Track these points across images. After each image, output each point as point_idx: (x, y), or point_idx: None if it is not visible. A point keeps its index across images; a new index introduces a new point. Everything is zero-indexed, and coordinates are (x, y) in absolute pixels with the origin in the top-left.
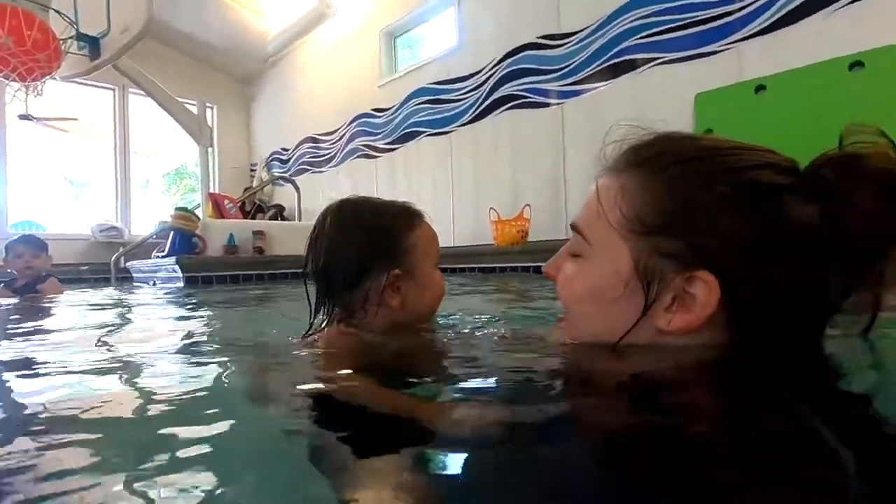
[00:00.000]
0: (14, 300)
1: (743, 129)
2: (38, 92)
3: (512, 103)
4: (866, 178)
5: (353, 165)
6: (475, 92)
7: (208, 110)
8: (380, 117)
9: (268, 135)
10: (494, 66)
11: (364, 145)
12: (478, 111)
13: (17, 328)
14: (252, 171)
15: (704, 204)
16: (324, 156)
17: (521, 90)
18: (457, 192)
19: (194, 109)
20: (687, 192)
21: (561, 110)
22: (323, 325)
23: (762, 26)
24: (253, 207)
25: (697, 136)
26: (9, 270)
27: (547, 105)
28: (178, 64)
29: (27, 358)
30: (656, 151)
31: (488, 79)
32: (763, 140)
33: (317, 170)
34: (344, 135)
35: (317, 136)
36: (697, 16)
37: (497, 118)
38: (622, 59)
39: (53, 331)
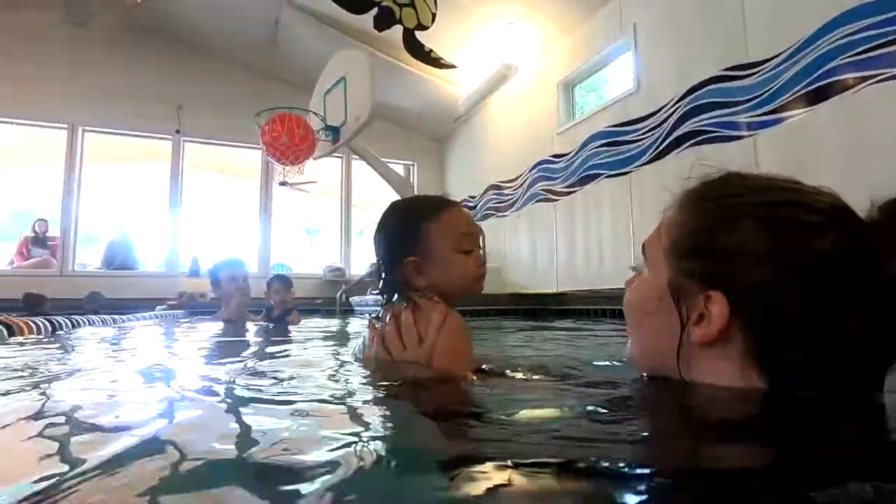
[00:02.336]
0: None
1: None
2: (301, 171)
3: (697, 139)
4: None
5: (533, 209)
6: (655, 131)
7: (410, 168)
8: (558, 162)
9: (458, 185)
10: (675, 103)
11: (544, 189)
12: (658, 149)
13: (279, 350)
14: None
15: (724, 232)
16: (506, 201)
17: (707, 125)
18: (637, 230)
19: (400, 168)
20: (713, 222)
21: (753, 142)
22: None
23: None
24: None
25: (752, 176)
26: (271, 302)
27: (737, 138)
28: (385, 130)
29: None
30: (704, 189)
31: (669, 116)
32: None
33: (500, 214)
34: (525, 181)
35: (500, 184)
36: None
37: (680, 155)
38: (828, 80)
39: (301, 350)
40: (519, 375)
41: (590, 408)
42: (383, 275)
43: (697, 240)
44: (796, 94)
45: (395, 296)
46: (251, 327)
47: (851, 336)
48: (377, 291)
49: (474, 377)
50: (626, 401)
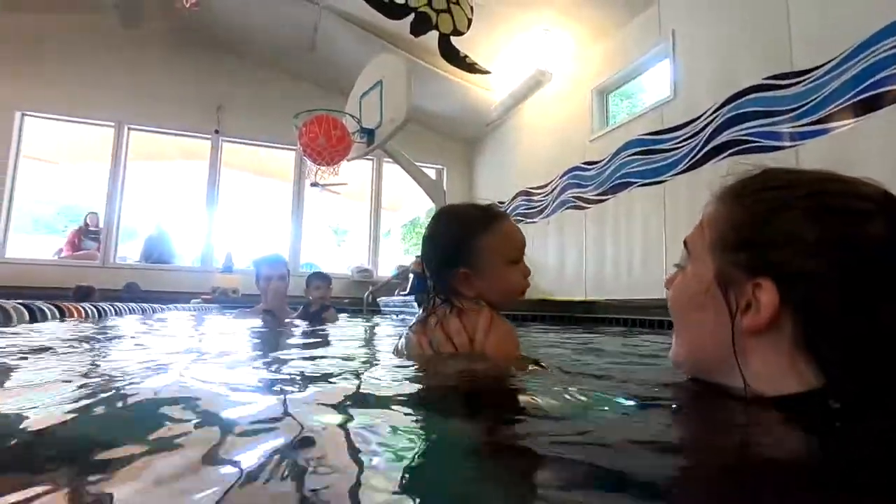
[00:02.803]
0: (305, 322)
1: None
2: (335, 172)
3: (734, 149)
4: None
5: (563, 216)
6: (691, 140)
7: (440, 171)
8: (590, 170)
9: (487, 189)
10: (713, 112)
11: (574, 197)
12: (695, 159)
13: (317, 344)
14: None
15: (772, 222)
16: (535, 207)
17: (746, 135)
18: (670, 240)
19: (431, 172)
20: (759, 214)
21: (796, 153)
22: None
23: None
24: None
25: (793, 170)
26: (309, 298)
27: (779, 148)
28: (418, 134)
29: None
30: (747, 183)
31: (706, 126)
32: None
33: (529, 220)
34: (556, 188)
35: (530, 190)
36: None
37: (717, 165)
38: (877, 91)
39: (339, 347)
40: (568, 375)
41: (626, 410)
42: (430, 281)
43: (743, 231)
44: (843, 105)
45: (440, 301)
46: (289, 322)
47: None
48: (420, 296)
49: (530, 367)
50: (667, 407)
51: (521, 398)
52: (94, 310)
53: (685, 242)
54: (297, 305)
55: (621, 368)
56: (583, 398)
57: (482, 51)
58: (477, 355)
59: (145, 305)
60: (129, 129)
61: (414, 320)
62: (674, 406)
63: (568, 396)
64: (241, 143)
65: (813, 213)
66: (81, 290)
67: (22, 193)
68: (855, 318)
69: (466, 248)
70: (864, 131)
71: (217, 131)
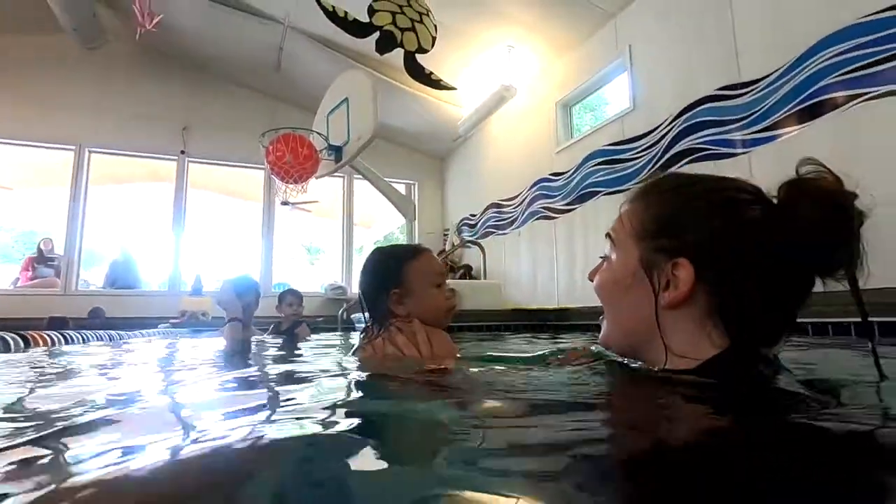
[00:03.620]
0: (279, 340)
1: None
2: (304, 189)
3: (692, 157)
4: (806, 193)
5: (533, 227)
6: (651, 149)
7: (411, 187)
8: (557, 181)
9: (458, 203)
10: (671, 122)
11: (543, 207)
12: (655, 167)
13: (291, 360)
14: (445, 235)
15: (684, 212)
16: (506, 219)
17: (701, 143)
18: None
19: (401, 187)
20: (673, 206)
21: (748, 159)
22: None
23: None
24: (445, 268)
25: (690, 174)
26: (282, 315)
27: (732, 155)
28: (387, 150)
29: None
30: (658, 183)
31: (665, 135)
32: None
33: (500, 232)
34: (525, 199)
35: (500, 202)
36: None
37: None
38: (819, 98)
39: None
40: (501, 367)
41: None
42: (366, 311)
43: (662, 220)
44: (788, 113)
45: (377, 328)
46: (263, 340)
47: (783, 286)
48: (364, 322)
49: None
50: (592, 388)
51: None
52: (60, 337)
53: (608, 235)
54: (264, 326)
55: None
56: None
57: (448, 68)
58: (427, 358)
59: (112, 332)
60: (90, 151)
61: (357, 345)
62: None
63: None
64: (208, 163)
65: (715, 203)
66: (55, 320)
67: None
68: (748, 282)
69: (397, 273)
70: (809, 137)
71: (183, 152)
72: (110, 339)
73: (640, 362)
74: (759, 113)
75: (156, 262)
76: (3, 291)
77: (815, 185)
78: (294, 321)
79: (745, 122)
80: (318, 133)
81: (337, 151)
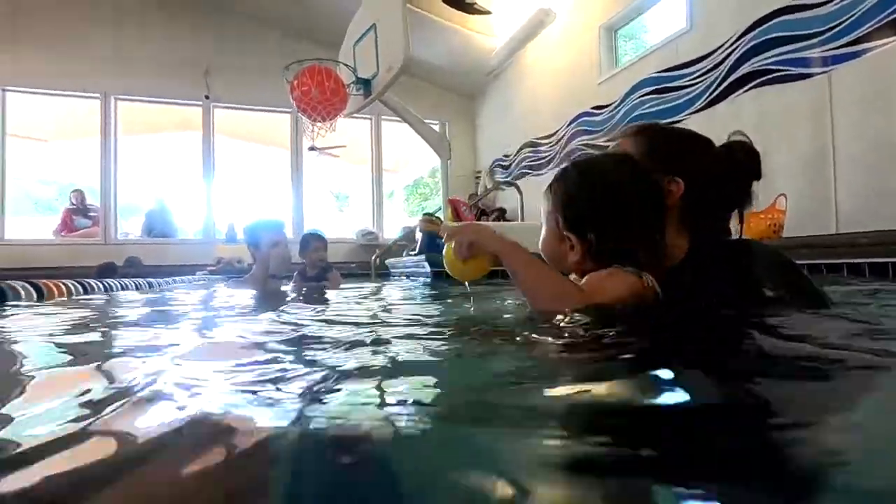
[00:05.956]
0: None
1: None
2: (333, 128)
3: (758, 80)
4: (740, 147)
5: None
6: (710, 74)
7: (443, 127)
8: (600, 114)
9: (491, 143)
10: (735, 42)
11: (584, 144)
12: (714, 94)
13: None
14: (476, 178)
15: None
16: (543, 158)
17: (771, 64)
18: None
19: (433, 128)
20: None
21: (828, 79)
22: None
23: None
24: (478, 212)
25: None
26: (305, 262)
27: (807, 76)
28: (416, 88)
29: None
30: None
31: (727, 57)
32: None
33: (536, 173)
34: (563, 136)
35: (536, 141)
36: None
37: (738, 100)
38: None
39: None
40: None
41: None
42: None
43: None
44: (880, 23)
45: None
46: (288, 287)
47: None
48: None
49: None
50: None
51: None
52: (78, 286)
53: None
54: (289, 274)
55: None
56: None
57: None
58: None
59: (150, 280)
60: (115, 99)
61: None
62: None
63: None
64: (233, 108)
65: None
66: (105, 268)
67: (15, 173)
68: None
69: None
70: None
71: (207, 97)
72: (148, 287)
73: None
74: (843, 25)
75: (190, 212)
76: (49, 241)
77: (743, 143)
78: (322, 267)
79: (825, 36)
80: (344, 64)
81: (366, 85)
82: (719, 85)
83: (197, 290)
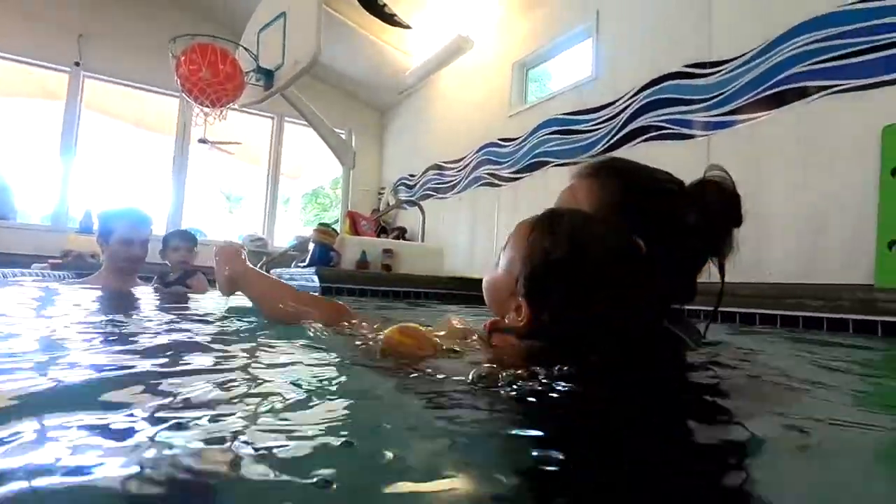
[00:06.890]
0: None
1: None
2: (223, 116)
3: (650, 134)
4: (712, 186)
5: (476, 193)
6: (609, 122)
7: (348, 135)
8: (507, 146)
9: (397, 161)
10: (633, 96)
11: (488, 174)
12: (611, 142)
13: (165, 318)
14: (380, 194)
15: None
16: (448, 182)
17: (662, 121)
18: None
19: (341, 135)
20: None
21: (707, 142)
22: None
23: None
24: (377, 228)
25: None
26: (167, 263)
27: (691, 136)
28: (322, 93)
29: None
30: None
31: (625, 109)
32: None
33: (440, 196)
34: (470, 163)
35: (442, 164)
36: (885, 39)
37: (633, 149)
38: (787, 87)
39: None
40: None
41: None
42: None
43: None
44: (754, 98)
45: None
46: (141, 292)
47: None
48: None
49: None
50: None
51: None
52: None
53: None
54: (148, 275)
55: None
56: None
57: (400, 7)
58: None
59: None
60: None
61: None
62: None
63: None
64: (108, 81)
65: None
66: None
67: None
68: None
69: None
70: (770, 126)
71: (78, 63)
72: None
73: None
74: (724, 95)
75: (39, 193)
76: None
77: (719, 183)
78: (184, 271)
79: (709, 103)
80: (245, 48)
81: (267, 77)
82: (617, 133)
83: (12, 287)
